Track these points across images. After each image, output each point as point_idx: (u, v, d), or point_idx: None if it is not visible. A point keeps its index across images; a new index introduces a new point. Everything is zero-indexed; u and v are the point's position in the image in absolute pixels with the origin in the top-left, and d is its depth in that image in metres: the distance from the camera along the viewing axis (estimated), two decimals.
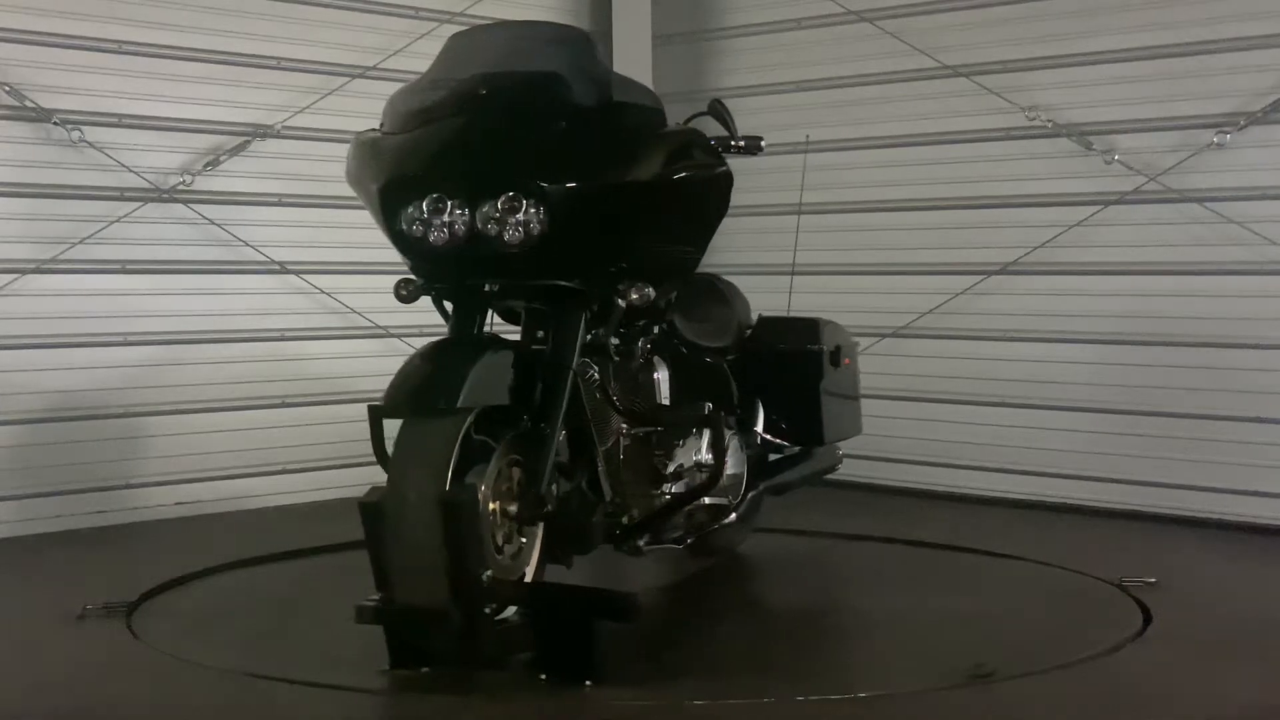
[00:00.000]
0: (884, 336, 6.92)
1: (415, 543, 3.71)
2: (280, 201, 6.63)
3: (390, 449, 3.89)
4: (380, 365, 6.88)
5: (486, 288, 4.15)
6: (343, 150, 6.66)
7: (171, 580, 4.95)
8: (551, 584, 4.02)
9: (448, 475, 3.70)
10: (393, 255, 6.86)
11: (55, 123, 5.98)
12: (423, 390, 3.82)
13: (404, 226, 3.99)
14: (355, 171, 4.27)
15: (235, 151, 6.45)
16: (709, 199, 4.28)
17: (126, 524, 6.07)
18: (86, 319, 6.11)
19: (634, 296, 4.09)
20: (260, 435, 6.56)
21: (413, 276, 4.20)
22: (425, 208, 3.95)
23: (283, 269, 6.60)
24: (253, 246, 6.49)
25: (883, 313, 6.94)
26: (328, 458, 6.71)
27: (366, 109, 6.76)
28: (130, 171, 6.16)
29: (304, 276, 6.67)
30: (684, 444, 4.67)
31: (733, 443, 4.87)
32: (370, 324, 6.81)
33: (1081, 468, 6.40)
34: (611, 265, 4.09)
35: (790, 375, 5.21)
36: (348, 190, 6.73)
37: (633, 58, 7.52)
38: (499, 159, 3.99)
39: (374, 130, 4.28)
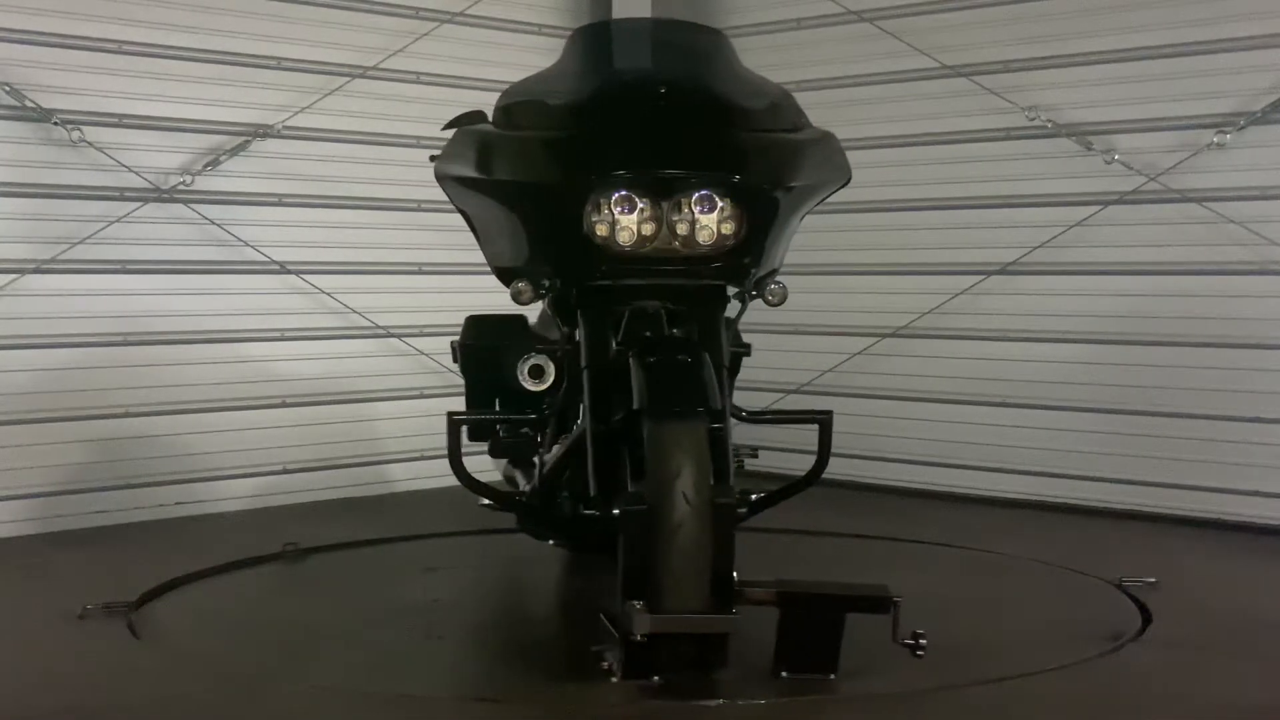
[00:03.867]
0: (884, 337, 6.93)
1: (690, 548, 3.64)
2: (280, 201, 6.63)
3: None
4: (380, 365, 6.97)
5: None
6: (343, 150, 6.79)
7: (171, 580, 4.95)
8: (799, 581, 3.94)
9: (710, 478, 3.68)
10: (392, 256, 6.93)
11: (55, 123, 5.98)
12: (680, 393, 3.77)
13: (587, 228, 3.84)
14: (467, 168, 4.14)
15: (235, 151, 6.45)
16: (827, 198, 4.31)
17: (126, 524, 6.07)
18: (86, 319, 6.11)
19: (770, 297, 4.08)
20: (260, 435, 6.56)
21: (530, 277, 4.05)
22: (614, 208, 3.84)
23: (283, 269, 6.60)
24: (253, 246, 6.49)
25: (883, 313, 6.94)
26: (328, 458, 6.72)
27: (367, 109, 6.85)
28: (130, 171, 6.16)
29: (304, 276, 6.66)
30: None
31: None
32: (370, 324, 6.81)
33: (1081, 468, 6.40)
34: (760, 264, 4.06)
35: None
36: (347, 190, 6.82)
37: None
38: (695, 159, 3.90)
39: (485, 125, 4.17)
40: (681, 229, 3.85)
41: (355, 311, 6.76)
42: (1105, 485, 6.34)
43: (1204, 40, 6.07)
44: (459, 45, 7.17)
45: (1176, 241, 6.17)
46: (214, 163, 6.39)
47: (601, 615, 4.01)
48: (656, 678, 3.75)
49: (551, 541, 4.42)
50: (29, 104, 5.91)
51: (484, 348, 5.10)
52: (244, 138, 6.48)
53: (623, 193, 3.82)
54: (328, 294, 6.72)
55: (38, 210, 5.99)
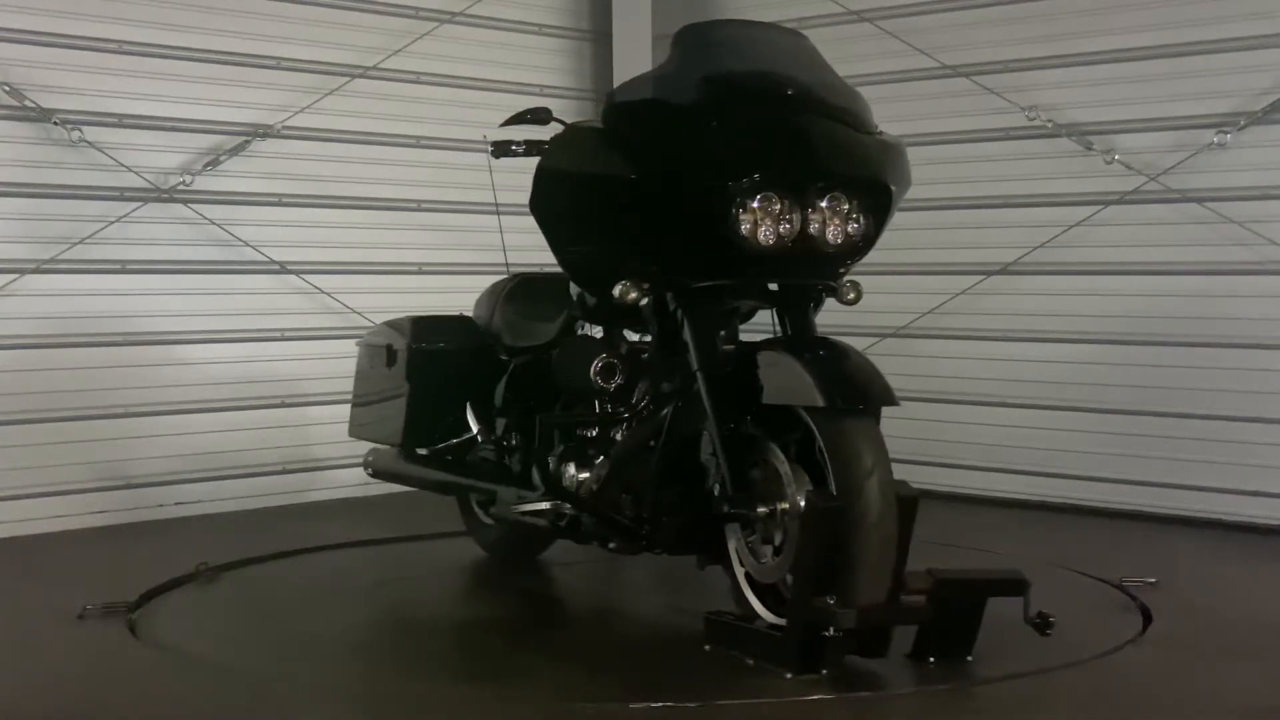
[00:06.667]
0: (884, 337, 6.92)
1: (886, 542, 3.74)
2: (280, 201, 6.63)
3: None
4: None
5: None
6: (343, 150, 6.79)
7: (171, 580, 4.95)
8: (945, 569, 4.00)
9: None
10: (392, 256, 6.93)
11: (55, 123, 5.98)
12: (862, 389, 3.84)
13: (730, 227, 3.88)
14: (590, 165, 4.14)
15: (235, 151, 6.45)
16: None
17: (126, 524, 6.07)
18: (86, 319, 6.11)
19: (850, 295, 4.22)
20: (260, 435, 6.56)
21: (633, 277, 4.10)
22: (757, 207, 3.89)
23: (283, 269, 6.60)
24: (253, 246, 6.49)
25: (883, 313, 6.93)
26: (327, 458, 6.71)
27: (367, 109, 6.85)
28: (130, 171, 6.16)
29: (304, 276, 6.67)
30: None
31: None
32: (370, 324, 6.80)
33: (1081, 468, 6.40)
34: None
35: None
36: (347, 190, 6.81)
37: (633, 58, 7.51)
38: (834, 160, 4.01)
39: (592, 122, 4.19)
40: (814, 228, 3.95)
41: (355, 311, 6.76)
42: (1105, 485, 6.34)
43: (1204, 40, 6.07)
44: (459, 45, 7.17)
45: (1176, 241, 6.17)
46: (214, 163, 6.39)
47: (713, 615, 4.07)
48: (824, 671, 3.79)
49: (611, 545, 4.38)
50: (29, 104, 5.91)
51: (439, 350, 5.10)
52: (244, 138, 6.48)
53: (767, 193, 3.89)
54: (328, 294, 6.72)
55: (38, 210, 5.99)
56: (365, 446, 5.55)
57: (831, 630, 3.68)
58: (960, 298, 6.73)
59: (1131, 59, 6.27)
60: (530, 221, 4.31)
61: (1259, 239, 5.91)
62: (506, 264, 5.43)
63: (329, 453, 6.71)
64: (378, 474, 5.47)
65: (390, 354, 5.20)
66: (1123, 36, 6.28)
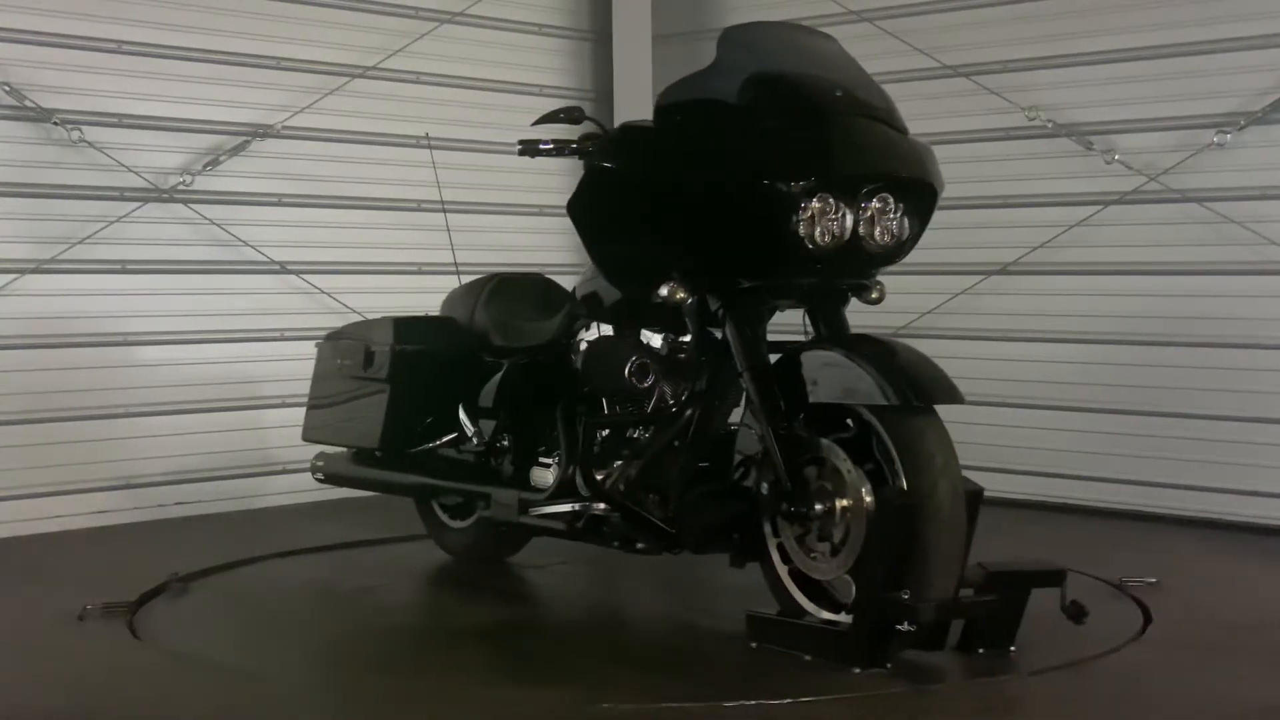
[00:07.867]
0: None
1: (958, 537, 3.82)
2: (280, 201, 6.64)
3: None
4: None
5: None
6: (343, 150, 6.79)
7: (171, 580, 4.94)
8: (993, 562, 4.04)
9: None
10: (392, 256, 6.92)
11: (55, 123, 5.98)
12: (930, 385, 3.87)
13: (791, 227, 3.91)
14: (647, 164, 4.13)
15: (235, 151, 6.45)
16: None
17: (126, 524, 6.07)
18: (86, 319, 6.11)
19: (874, 294, 4.27)
20: (260, 435, 6.56)
21: (681, 278, 4.13)
22: (815, 208, 3.92)
23: (283, 269, 6.60)
24: (253, 246, 6.49)
25: (884, 312, 6.91)
26: None
27: (366, 109, 6.85)
28: (130, 171, 6.16)
29: (304, 276, 6.67)
30: None
31: None
32: None
33: (1081, 468, 6.40)
34: None
35: None
36: (347, 190, 6.81)
37: (633, 58, 7.52)
38: (891, 162, 4.07)
39: (646, 122, 4.21)
40: (864, 229, 4.00)
41: (355, 311, 6.75)
42: (1105, 485, 6.34)
43: (1204, 40, 6.07)
44: (459, 45, 7.17)
45: (1176, 241, 6.17)
46: (214, 163, 6.39)
47: (756, 614, 4.08)
48: (889, 665, 3.82)
49: (639, 545, 4.35)
50: (29, 104, 5.91)
51: (426, 351, 5.08)
52: (244, 138, 6.48)
53: (823, 194, 3.93)
54: (328, 294, 6.72)
55: (38, 210, 6.00)
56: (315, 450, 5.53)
57: (905, 625, 3.71)
58: (960, 298, 6.73)
59: (1131, 59, 6.27)
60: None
61: (1259, 239, 5.91)
62: (455, 263, 5.43)
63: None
64: (329, 479, 5.43)
65: (368, 355, 5.13)
66: (1123, 36, 6.28)
